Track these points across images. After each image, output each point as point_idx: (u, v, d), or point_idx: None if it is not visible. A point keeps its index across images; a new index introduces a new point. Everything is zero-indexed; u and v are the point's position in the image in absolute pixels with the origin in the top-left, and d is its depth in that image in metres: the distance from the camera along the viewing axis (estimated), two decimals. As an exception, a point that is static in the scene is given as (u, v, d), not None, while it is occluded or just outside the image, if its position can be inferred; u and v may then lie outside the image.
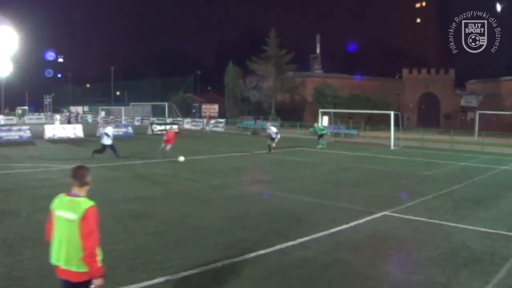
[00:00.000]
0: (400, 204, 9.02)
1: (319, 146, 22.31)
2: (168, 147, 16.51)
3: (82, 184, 3.31)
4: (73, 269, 3.21)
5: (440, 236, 6.91)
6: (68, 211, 3.22)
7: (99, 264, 3.21)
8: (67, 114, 48.20)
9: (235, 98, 53.71)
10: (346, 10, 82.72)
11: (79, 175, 3.31)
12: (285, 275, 5.17)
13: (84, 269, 3.19)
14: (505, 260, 5.73)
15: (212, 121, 39.28)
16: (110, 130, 16.55)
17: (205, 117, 42.31)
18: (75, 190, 3.30)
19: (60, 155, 17.13)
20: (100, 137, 17.22)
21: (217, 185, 11.06)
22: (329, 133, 24.72)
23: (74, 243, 3.18)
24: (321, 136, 23.17)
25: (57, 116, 31.51)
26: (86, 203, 3.22)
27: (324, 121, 32.04)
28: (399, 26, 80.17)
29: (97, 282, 3.19)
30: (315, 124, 24.81)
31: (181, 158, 14.76)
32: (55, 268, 3.32)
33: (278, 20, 68.17)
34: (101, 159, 15.54)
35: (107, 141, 16.05)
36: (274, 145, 19.30)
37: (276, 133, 19.54)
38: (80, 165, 3.43)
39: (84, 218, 3.16)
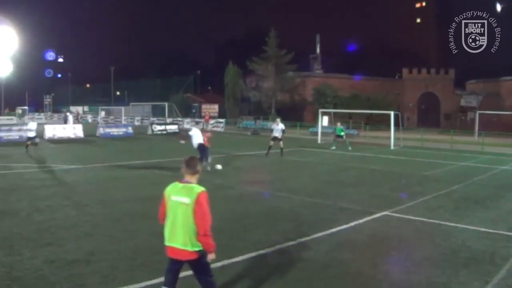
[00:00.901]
0: (400, 204, 9.02)
1: (333, 148, 22.10)
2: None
3: (194, 172, 3.79)
4: (187, 248, 3.65)
5: (440, 236, 6.90)
6: (183, 196, 3.66)
7: (212, 241, 3.67)
8: (67, 114, 48.16)
9: (235, 98, 53.71)
10: (346, 10, 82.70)
11: (192, 164, 3.80)
12: (285, 275, 5.17)
13: (195, 248, 3.65)
14: (505, 260, 5.73)
15: (212, 121, 39.30)
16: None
17: (204, 117, 42.34)
18: (187, 177, 3.77)
19: (60, 155, 17.13)
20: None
21: (217, 185, 11.05)
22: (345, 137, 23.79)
23: (188, 224, 3.62)
24: (339, 136, 22.76)
25: (70, 117, 31.49)
26: (199, 189, 3.68)
27: (324, 121, 32.06)
28: (399, 26, 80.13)
29: (210, 256, 3.76)
30: (338, 124, 23.78)
31: (219, 166, 13.49)
32: (166, 248, 3.78)
33: (278, 20, 68.13)
34: (101, 159, 15.54)
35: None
36: (281, 145, 17.83)
37: (283, 130, 18.13)
38: (192, 156, 3.95)
39: (197, 201, 3.60)
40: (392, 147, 23.43)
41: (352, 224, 7.44)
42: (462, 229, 7.32)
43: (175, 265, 3.80)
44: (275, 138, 17.87)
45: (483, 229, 7.26)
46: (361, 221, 7.64)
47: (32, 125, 18.14)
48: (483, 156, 20.31)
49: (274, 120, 19.79)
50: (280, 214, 8.11)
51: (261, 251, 5.90)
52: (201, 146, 13.32)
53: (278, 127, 18.04)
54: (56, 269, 5.12)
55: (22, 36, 36.57)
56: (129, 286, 4.68)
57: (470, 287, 4.92)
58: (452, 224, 7.56)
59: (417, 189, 10.98)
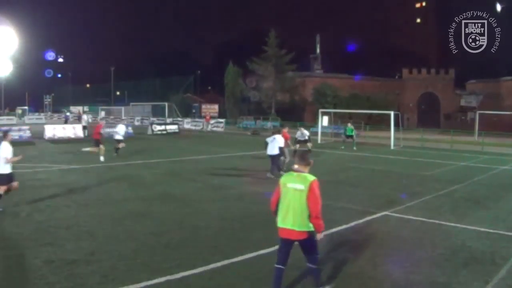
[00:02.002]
0: (400, 204, 9.02)
1: (342, 148, 22.14)
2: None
3: (307, 164, 4.43)
4: (297, 229, 4.19)
5: (440, 236, 6.91)
6: (298, 183, 4.24)
7: (322, 223, 4.24)
8: (67, 114, 48.16)
9: (235, 98, 53.69)
10: (346, 10, 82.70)
11: (305, 157, 4.46)
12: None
13: (304, 228, 4.21)
14: (505, 260, 5.73)
15: (212, 121, 39.31)
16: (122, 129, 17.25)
17: (205, 117, 42.35)
18: (300, 168, 4.39)
19: (60, 155, 17.12)
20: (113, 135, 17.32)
21: (217, 185, 11.06)
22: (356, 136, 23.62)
23: (301, 208, 4.18)
24: (349, 137, 22.73)
25: (84, 117, 31.56)
26: (311, 177, 4.29)
27: (324, 121, 32.05)
28: (399, 26, 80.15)
29: (320, 236, 4.34)
30: (348, 124, 23.39)
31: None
32: (279, 229, 4.32)
33: (278, 20, 68.21)
34: (100, 159, 15.53)
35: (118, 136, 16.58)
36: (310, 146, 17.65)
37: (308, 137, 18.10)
38: (305, 149, 4.32)
39: (311, 188, 4.20)
40: (392, 147, 23.42)
41: (352, 224, 7.44)
42: (462, 229, 7.32)
43: (287, 245, 4.35)
44: (300, 141, 17.78)
45: (483, 229, 7.26)
46: (361, 221, 7.64)
47: (121, 128, 17.43)
48: (483, 156, 20.31)
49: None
50: (280, 214, 8.11)
51: (261, 251, 5.90)
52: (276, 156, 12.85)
53: (304, 134, 18.06)
54: (56, 269, 5.12)
55: (22, 36, 36.57)
56: (129, 286, 4.68)
57: (470, 287, 4.92)
58: (452, 224, 7.56)
59: (417, 189, 10.98)
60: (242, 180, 12.04)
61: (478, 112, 36.95)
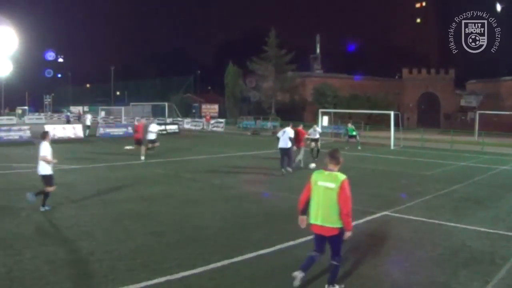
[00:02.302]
0: (400, 204, 9.02)
1: (359, 148, 22.17)
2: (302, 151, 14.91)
3: (337, 163, 4.56)
4: (328, 225, 4.40)
5: (440, 236, 6.91)
6: (328, 182, 4.41)
7: (351, 221, 4.46)
8: (68, 114, 48.19)
9: (235, 98, 53.68)
10: (346, 10, 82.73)
11: (336, 156, 4.58)
12: (285, 275, 5.17)
13: (336, 225, 4.40)
14: (505, 260, 5.73)
15: (212, 121, 39.31)
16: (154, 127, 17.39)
17: (205, 117, 42.34)
18: (331, 167, 4.53)
19: (60, 155, 17.09)
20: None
21: (217, 185, 11.06)
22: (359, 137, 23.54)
23: (331, 206, 4.37)
24: (352, 137, 22.63)
25: (88, 116, 31.70)
26: (342, 176, 4.44)
27: (324, 121, 32.04)
28: (399, 26, 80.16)
29: (348, 234, 4.52)
30: (349, 124, 23.23)
31: (312, 165, 13.55)
32: (311, 225, 4.57)
33: (278, 20, 68.19)
34: (101, 159, 15.54)
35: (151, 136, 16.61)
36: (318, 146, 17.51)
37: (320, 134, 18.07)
38: (336, 148, 4.80)
39: (341, 187, 4.35)
40: (392, 147, 23.42)
41: (352, 224, 7.42)
42: (462, 229, 7.32)
43: (320, 240, 4.60)
44: (313, 140, 17.67)
45: (483, 229, 7.26)
46: (361, 221, 7.64)
47: (154, 127, 17.62)
48: (483, 156, 20.31)
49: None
50: (280, 214, 8.11)
51: (261, 251, 5.90)
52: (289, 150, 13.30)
53: (316, 131, 17.97)
54: (56, 269, 5.12)
55: (22, 36, 36.57)
56: (129, 286, 4.68)
57: (470, 287, 4.92)
58: (452, 224, 7.56)
59: (417, 189, 10.98)
60: (242, 180, 12.04)
61: (478, 112, 36.94)
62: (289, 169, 13.33)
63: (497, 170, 15.49)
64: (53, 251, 5.74)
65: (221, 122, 39.09)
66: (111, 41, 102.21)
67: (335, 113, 33.92)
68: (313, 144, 17.55)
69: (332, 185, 4.38)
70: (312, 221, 4.55)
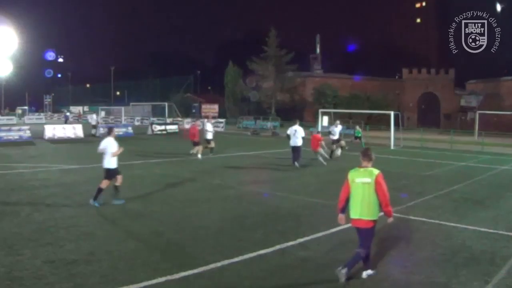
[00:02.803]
0: (400, 204, 9.01)
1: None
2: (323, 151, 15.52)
3: (370, 159, 5.02)
4: (365, 218, 4.82)
5: (440, 236, 6.90)
6: (365, 177, 4.85)
7: (391, 209, 4.92)
8: (67, 114, 48.21)
9: (235, 98, 53.70)
10: (346, 10, 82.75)
11: (368, 154, 5.03)
12: (285, 275, 5.17)
13: (372, 217, 4.85)
14: (505, 260, 5.73)
15: (212, 121, 39.26)
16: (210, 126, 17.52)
17: (206, 117, 42.29)
18: (365, 163, 4.99)
19: (60, 155, 17.13)
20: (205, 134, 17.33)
21: (217, 185, 11.06)
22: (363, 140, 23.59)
23: (369, 199, 4.79)
24: (357, 138, 22.89)
25: (94, 116, 31.91)
26: (376, 171, 4.89)
27: (324, 121, 32.05)
28: (399, 26, 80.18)
29: (391, 219, 5.08)
30: (357, 127, 23.64)
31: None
32: (352, 220, 4.95)
33: (278, 20, 68.16)
34: (101, 159, 15.52)
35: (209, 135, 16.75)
36: (340, 149, 17.62)
37: (340, 133, 18.04)
38: (368, 147, 5.26)
39: (377, 180, 4.81)
40: (392, 147, 23.41)
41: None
42: (462, 229, 7.32)
43: (358, 231, 5.00)
44: (335, 141, 17.76)
45: (483, 229, 7.25)
46: (361, 221, 7.63)
47: (209, 126, 17.70)
48: (483, 156, 20.30)
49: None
50: (280, 214, 8.11)
51: (261, 251, 5.89)
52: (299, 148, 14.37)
53: (337, 128, 18.04)
54: (56, 269, 5.12)
55: (22, 36, 36.59)
56: (129, 286, 4.68)
57: (470, 287, 4.92)
58: (452, 224, 7.56)
59: (417, 189, 10.97)
60: (242, 180, 12.04)
61: (478, 112, 36.95)
62: (296, 164, 14.22)
63: (497, 170, 15.48)
64: (53, 251, 5.74)
65: (221, 122, 39.09)
66: (111, 41, 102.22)
67: (335, 113, 33.92)
68: (334, 146, 17.65)
69: (368, 180, 4.83)
70: (352, 216, 4.93)
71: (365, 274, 5.03)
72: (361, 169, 4.96)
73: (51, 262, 5.33)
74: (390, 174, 13.98)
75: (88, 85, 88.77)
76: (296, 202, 9.17)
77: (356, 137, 23.36)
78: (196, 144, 16.98)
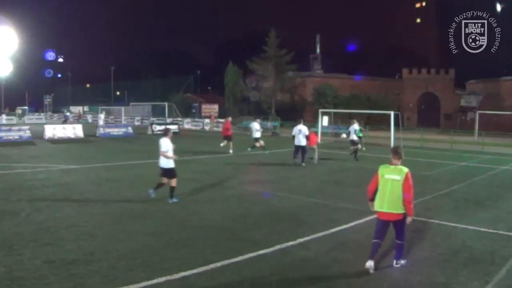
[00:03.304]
0: (400, 204, 9.01)
1: (363, 149, 22.12)
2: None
3: (400, 157, 5.31)
4: (394, 211, 5.15)
5: (440, 236, 6.91)
6: (395, 174, 5.17)
7: (413, 208, 5.18)
8: (67, 114, 48.21)
9: (235, 98, 53.66)
10: (346, 10, 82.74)
11: (398, 152, 5.34)
12: (285, 275, 5.17)
13: (400, 211, 5.14)
14: (505, 260, 5.73)
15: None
16: (257, 125, 17.71)
17: (208, 117, 42.29)
18: (395, 161, 5.30)
19: (60, 155, 17.12)
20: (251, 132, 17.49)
21: (217, 185, 11.06)
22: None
23: (398, 195, 5.11)
24: (359, 138, 22.56)
25: (102, 116, 32.19)
26: (406, 169, 5.19)
27: (324, 121, 32.05)
28: (399, 26, 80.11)
29: (409, 219, 5.30)
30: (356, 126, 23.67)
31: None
32: (378, 213, 5.32)
33: (278, 20, 68.22)
34: (101, 159, 15.54)
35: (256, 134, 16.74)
36: (358, 149, 17.72)
37: (356, 131, 18.12)
38: (398, 145, 5.57)
39: (406, 178, 5.10)
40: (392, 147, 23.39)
41: (352, 224, 7.44)
42: (462, 229, 7.32)
43: (384, 225, 5.30)
44: (353, 142, 17.94)
45: (483, 229, 7.26)
46: (361, 221, 7.64)
47: (256, 125, 17.92)
48: (483, 156, 20.30)
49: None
50: (280, 214, 8.11)
51: (261, 251, 5.90)
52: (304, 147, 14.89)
53: (354, 127, 18.16)
54: (56, 269, 5.12)
55: (22, 36, 36.55)
56: (129, 286, 4.68)
57: (470, 287, 4.92)
58: (452, 224, 7.56)
59: (417, 189, 10.83)
60: (242, 180, 12.04)
61: (478, 112, 36.94)
62: (303, 164, 14.73)
63: (497, 170, 15.49)
64: (53, 251, 5.74)
65: (221, 122, 39.06)
66: (111, 41, 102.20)
67: (335, 113, 33.93)
68: (351, 148, 17.78)
69: (397, 177, 5.14)
70: (378, 208, 5.28)
71: (394, 262, 5.40)
72: (392, 166, 5.27)
73: (51, 262, 5.33)
74: (390, 174, 14.02)
75: (88, 85, 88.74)
76: (296, 202, 9.17)
77: (358, 137, 22.90)
78: (228, 138, 17.73)
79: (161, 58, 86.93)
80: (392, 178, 5.17)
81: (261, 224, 7.38)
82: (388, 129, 25.86)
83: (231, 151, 17.35)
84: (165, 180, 8.83)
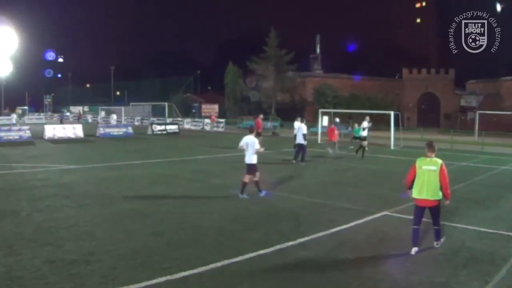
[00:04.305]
0: (400, 204, 9.01)
1: (351, 147, 21.97)
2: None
3: (434, 151, 6.05)
4: (431, 198, 5.91)
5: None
6: (431, 165, 5.93)
7: (450, 193, 6.12)
8: (67, 114, 48.22)
9: (235, 98, 53.71)
10: (346, 10, 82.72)
11: (433, 145, 6.05)
12: (285, 275, 5.17)
13: (436, 197, 5.93)
14: (505, 260, 5.73)
15: (337, 119, 38.80)
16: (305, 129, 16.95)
17: (208, 117, 42.29)
18: (430, 154, 6.02)
19: (60, 155, 17.13)
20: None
21: (217, 185, 11.06)
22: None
23: (434, 183, 5.89)
24: (357, 138, 21.92)
25: (114, 116, 32.44)
26: (440, 161, 5.97)
27: (324, 121, 32.02)
28: (399, 26, 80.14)
29: (448, 202, 6.26)
30: (355, 125, 22.03)
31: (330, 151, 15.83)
32: (416, 200, 6.01)
33: (278, 20, 68.11)
34: (101, 159, 15.54)
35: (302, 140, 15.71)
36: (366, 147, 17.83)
37: (364, 129, 18.22)
38: (431, 140, 6.23)
39: (441, 169, 5.91)
40: (392, 147, 23.41)
41: (352, 224, 7.44)
42: (462, 229, 7.33)
43: (421, 212, 6.03)
44: (360, 138, 18.07)
45: (483, 229, 7.26)
46: (361, 221, 7.64)
47: (298, 124, 16.90)
48: (483, 156, 20.30)
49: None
50: (280, 214, 8.11)
51: (261, 251, 5.89)
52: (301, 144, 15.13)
53: (365, 125, 18.18)
54: (56, 269, 5.12)
55: (22, 36, 36.55)
56: (129, 286, 4.68)
57: (470, 287, 4.92)
58: (452, 224, 7.56)
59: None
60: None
61: (478, 112, 36.95)
62: (302, 163, 14.88)
63: (497, 170, 15.49)
64: (53, 251, 5.74)
65: (221, 122, 39.08)
66: (111, 41, 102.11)
67: (335, 113, 33.91)
68: (364, 143, 17.92)
69: (434, 167, 5.88)
70: (416, 196, 5.98)
71: (435, 243, 6.16)
72: (427, 159, 5.98)
73: (51, 262, 5.33)
74: (390, 174, 14.02)
75: (88, 85, 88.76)
76: (296, 202, 9.17)
77: (355, 137, 22.79)
78: (258, 134, 18.12)
79: (161, 58, 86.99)
80: (429, 169, 5.89)
81: (261, 224, 7.37)
82: (388, 129, 25.86)
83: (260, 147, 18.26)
84: (256, 176, 9.34)
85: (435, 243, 6.17)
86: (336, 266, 5.50)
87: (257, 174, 9.33)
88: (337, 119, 22.48)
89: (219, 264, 5.39)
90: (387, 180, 12.59)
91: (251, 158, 9.32)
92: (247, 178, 9.27)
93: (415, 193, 6.00)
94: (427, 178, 5.89)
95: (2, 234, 6.46)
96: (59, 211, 7.87)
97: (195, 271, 5.15)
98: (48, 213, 7.74)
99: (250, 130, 9.84)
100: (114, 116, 32.53)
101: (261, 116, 21.55)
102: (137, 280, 4.81)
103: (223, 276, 5.08)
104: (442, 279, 5.08)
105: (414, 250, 5.92)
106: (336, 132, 18.14)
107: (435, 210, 6.01)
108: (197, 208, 8.48)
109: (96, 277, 4.91)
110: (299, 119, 15.90)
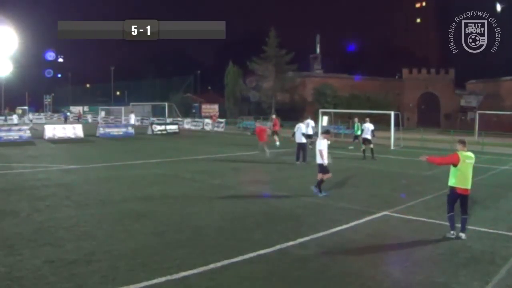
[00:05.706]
0: (400, 204, 9.02)
1: (351, 147, 21.86)
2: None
3: (465, 145, 6.89)
4: (468, 187, 6.78)
5: (440, 236, 6.90)
6: (471, 159, 6.82)
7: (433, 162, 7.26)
8: (68, 113, 48.22)
9: (235, 98, 53.68)
10: (346, 10, 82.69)
11: (464, 142, 6.92)
12: (285, 275, 5.17)
13: (469, 186, 6.79)
14: (505, 260, 5.73)
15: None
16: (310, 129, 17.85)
17: (209, 117, 42.28)
18: (464, 148, 6.87)
19: (60, 155, 17.13)
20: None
21: (217, 185, 11.06)
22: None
23: (471, 174, 6.78)
24: (357, 137, 21.43)
25: (132, 116, 32.76)
26: (472, 154, 6.91)
27: (324, 121, 32.01)
28: (399, 26, 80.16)
29: (424, 158, 7.22)
30: (355, 120, 22.29)
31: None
32: (457, 188, 6.74)
33: (278, 20, 68.06)
34: (101, 159, 15.54)
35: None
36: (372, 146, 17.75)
37: (372, 131, 18.17)
38: (463, 138, 7.15)
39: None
40: (392, 147, 23.40)
41: (352, 224, 7.44)
42: (462, 229, 7.31)
43: (457, 199, 6.76)
44: (365, 140, 18.00)
45: (483, 229, 7.26)
46: (361, 221, 7.64)
47: (370, 125, 18.14)
48: (483, 156, 20.25)
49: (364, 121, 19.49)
50: (280, 214, 8.11)
51: (261, 251, 5.89)
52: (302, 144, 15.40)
53: (367, 126, 18.27)
54: (56, 269, 5.12)
55: (22, 36, 36.50)
56: (129, 286, 4.68)
57: (470, 287, 4.92)
58: (452, 224, 7.55)
59: (417, 189, 10.97)
60: (242, 180, 12.04)
61: (478, 112, 36.93)
62: (303, 163, 14.96)
63: (497, 170, 15.48)
64: (53, 251, 5.74)
65: (221, 122, 39.07)
66: (111, 41, 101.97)
67: (335, 113, 33.91)
68: (363, 146, 17.89)
69: (472, 160, 6.80)
70: (458, 185, 6.71)
71: (463, 235, 6.61)
72: (465, 153, 6.78)
73: (51, 262, 5.33)
74: (390, 174, 14.03)
75: (88, 85, 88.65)
76: (296, 202, 9.17)
77: (356, 137, 22.46)
78: (274, 133, 20.73)
79: (161, 58, 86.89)
80: (470, 162, 6.75)
81: (261, 224, 7.37)
82: (388, 129, 25.84)
83: (277, 143, 19.97)
84: (326, 176, 9.80)
85: (463, 234, 6.60)
86: (336, 266, 5.50)
87: (327, 175, 9.79)
88: (274, 115, 23.41)
89: (219, 264, 5.39)
90: (387, 180, 12.59)
91: (318, 158, 9.92)
92: (319, 176, 9.81)
93: (458, 183, 6.68)
94: (469, 170, 6.75)
95: (2, 234, 6.46)
96: (59, 211, 7.87)
97: (195, 271, 5.15)
98: (48, 213, 7.74)
99: (325, 133, 10.56)
100: (132, 116, 32.93)
101: (274, 116, 22.66)
102: (137, 280, 4.82)
103: (223, 276, 5.08)
104: (442, 279, 5.08)
105: (452, 233, 6.61)
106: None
107: (466, 199, 6.79)
108: (197, 208, 8.48)
109: (96, 277, 4.91)
110: (309, 117, 16.30)
